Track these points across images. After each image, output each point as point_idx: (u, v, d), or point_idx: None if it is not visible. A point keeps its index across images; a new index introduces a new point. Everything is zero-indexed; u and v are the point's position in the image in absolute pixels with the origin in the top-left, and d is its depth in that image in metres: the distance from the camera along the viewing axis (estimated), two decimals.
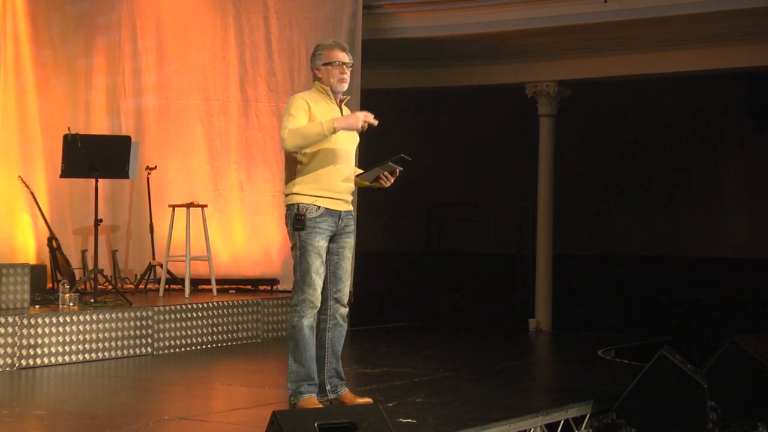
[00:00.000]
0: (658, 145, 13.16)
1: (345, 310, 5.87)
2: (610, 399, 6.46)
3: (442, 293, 13.23)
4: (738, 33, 10.32)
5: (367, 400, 5.82)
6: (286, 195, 5.75)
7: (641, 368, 6.38)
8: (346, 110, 5.90)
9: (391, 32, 11.20)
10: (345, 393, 5.85)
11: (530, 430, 5.91)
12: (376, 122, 5.62)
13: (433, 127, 13.61)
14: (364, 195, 10.63)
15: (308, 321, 5.67)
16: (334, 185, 5.70)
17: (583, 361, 8.89)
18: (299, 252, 5.68)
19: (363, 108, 10.47)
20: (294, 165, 5.70)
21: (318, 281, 5.68)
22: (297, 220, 5.65)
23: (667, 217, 13.12)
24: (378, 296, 11.95)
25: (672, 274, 12.72)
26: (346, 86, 5.80)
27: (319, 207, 5.66)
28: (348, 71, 5.79)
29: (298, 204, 5.67)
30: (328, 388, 5.81)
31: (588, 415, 6.39)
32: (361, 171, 5.93)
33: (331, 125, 5.53)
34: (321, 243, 5.67)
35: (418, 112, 13.51)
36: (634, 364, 8.12)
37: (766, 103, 12.44)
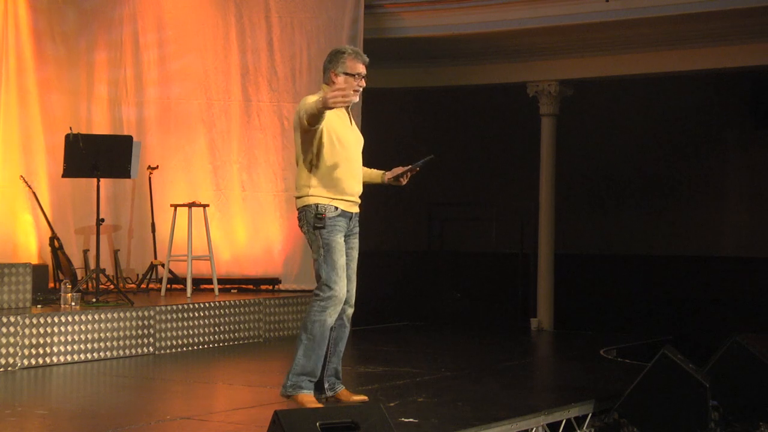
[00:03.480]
0: (659, 144, 13.16)
1: (351, 311, 5.97)
2: (611, 398, 6.46)
3: (443, 293, 13.22)
4: (738, 33, 10.31)
5: (363, 397, 5.94)
6: (300, 197, 5.79)
7: (643, 367, 6.38)
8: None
9: (392, 32, 11.19)
10: (342, 390, 5.95)
11: (532, 429, 5.92)
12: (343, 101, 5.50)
13: (433, 127, 13.60)
14: (364, 195, 10.62)
15: (331, 320, 5.75)
16: (349, 187, 5.83)
17: (584, 360, 8.90)
18: (324, 250, 5.73)
19: (363, 108, 10.58)
20: (308, 169, 5.76)
21: (345, 277, 5.78)
22: (318, 219, 5.71)
23: (668, 217, 13.11)
24: (379, 296, 11.93)
25: (673, 273, 12.71)
26: (357, 99, 5.85)
27: (336, 208, 5.77)
28: (364, 84, 5.87)
29: (317, 204, 5.74)
30: (326, 386, 5.90)
31: (590, 415, 6.39)
32: (374, 171, 6.09)
33: (320, 106, 5.46)
34: (342, 239, 5.78)
35: (418, 112, 13.50)
36: (635, 364, 8.12)
37: (766, 103, 12.43)
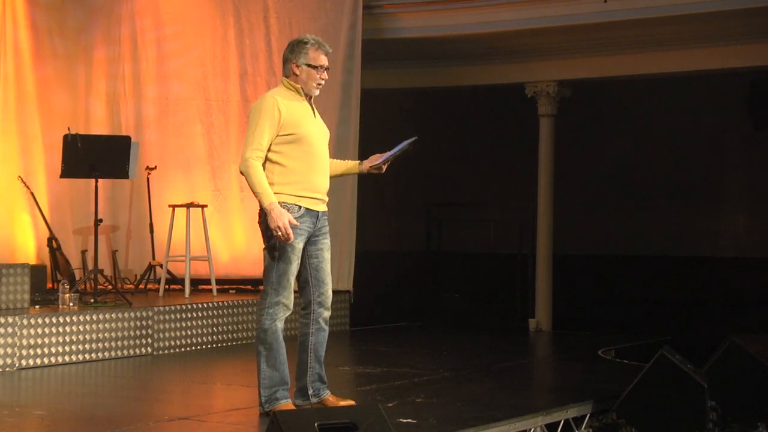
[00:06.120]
0: (657, 145, 13.16)
1: (328, 314, 5.73)
2: (610, 399, 6.46)
3: (442, 293, 13.22)
4: (738, 33, 10.31)
5: (350, 402, 5.71)
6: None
7: (641, 368, 6.38)
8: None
9: (391, 32, 11.19)
10: (327, 396, 5.74)
11: (530, 429, 5.91)
12: (284, 239, 5.41)
13: (433, 127, 13.60)
14: (364, 194, 10.63)
15: (281, 324, 5.55)
16: (314, 184, 5.59)
17: (583, 360, 8.89)
18: (278, 252, 5.51)
19: (362, 108, 10.53)
20: (271, 164, 5.54)
21: (293, 284, 5.56)
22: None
23: (667, 217, 13.11)
24: (378, 296, 11.94)
25: (672, 274, 12.71)
26: (318, 92, 5.66)
27: (300, 207, 5.53)
28: (326, 77, 5.67)
29: (278, 203, 5.47)
30: (310, 392, 5.69)
31: (588, 415, 6.39)
32: (348, 162, 5.95)
33: (265, 204, 5.40)
34: (299, 245, 5.54)
35: (418, 112, 13.50)
36: (634, 364, 8.12)
37: (766, 103, 12.43)
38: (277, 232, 5.38)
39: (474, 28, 10.94)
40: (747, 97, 12.55)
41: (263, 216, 5.53)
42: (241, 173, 5.56)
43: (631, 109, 13.05)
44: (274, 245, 5.52)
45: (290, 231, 5.40)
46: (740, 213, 13.01)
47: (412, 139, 5.65)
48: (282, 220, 5.37)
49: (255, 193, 5.48)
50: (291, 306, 5.58)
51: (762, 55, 10.41)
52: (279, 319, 5.55)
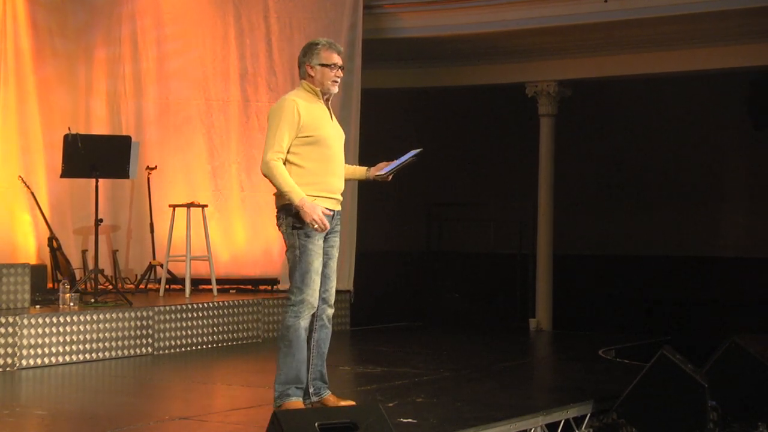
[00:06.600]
0: (657, 145, 13.16)
1: (331, 311, 5.79)
2: (610, 399, 6.46)
3: (442, 293, 13.22)
4: (738, 33, 10.32)
5: (350, 402, 5.72)
6: (280, 196, 5.62)
7: (642, 368, 6.39)
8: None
9: (391, 32, 11.20)
10: (328, 396, 5.77)
11: (531, 429, 5.92)
12: (321, 229, 5.53)
13: (433, 127, 13.60)
14: (364, 195, 10.64)
15: (305, 323, 5.60)
16: (331, 185, 5.66)
17: (583, 360, 8.90)
18: (300, 251, 5.58)
19: (362, 108, 10.54)
20: (289, 166, 5.58)
21: (318, 281, 5.62)
22: (298, 219, 5.53)
23: (667, 217, 13.11)
24: (378, 296, 11.94)
25: (672, 274, 12.72)
26: (337, 90, 5.75)
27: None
28: (342, 74, 5.76)
29: None
30: (311, 390, 5.73)
31: (588, 415, 6.39)
32: (356, 167, 5.99)
33: (296, 201, 5.47)
34: (320, 242, 5.61)
35: (418, 112, 13.50)
36: (634, 364, 8.13)
37: (766, 103, 12.44)
38: (313, 225, 5.49)
39: (474, 28, 10.94)
40: (747, 97, 12.56)
41: (282, 218, 5.61)
42: (264, 175, 5.59)
43: (631, 109, 13.05)
44: (295, 245, 5.60)
45: (326, 222, 5.52)
46: (740, 213, 13.01)
47: (418, 150, 5.75)
48: (316, 212, 5.49)
49: (283, 193, 5.52)
50: (316, 304, 5.64)
51: (762, 55, 10.42)
52: (303, 317, 5.60)
